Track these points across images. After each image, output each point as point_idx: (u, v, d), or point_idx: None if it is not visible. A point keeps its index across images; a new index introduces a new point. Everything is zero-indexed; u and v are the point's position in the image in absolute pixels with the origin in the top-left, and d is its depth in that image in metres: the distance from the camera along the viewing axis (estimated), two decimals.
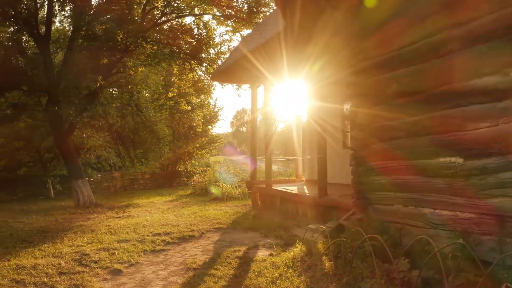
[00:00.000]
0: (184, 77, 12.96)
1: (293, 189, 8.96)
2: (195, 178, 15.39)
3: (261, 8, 11.70)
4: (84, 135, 12.16)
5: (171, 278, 4.33)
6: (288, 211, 8.70)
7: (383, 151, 4.84)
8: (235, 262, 4.73)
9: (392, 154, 4.75)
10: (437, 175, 4.25)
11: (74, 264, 4.76)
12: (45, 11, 10.84)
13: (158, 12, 11.28)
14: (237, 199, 11.94)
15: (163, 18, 11.30)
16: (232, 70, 9.90)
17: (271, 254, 5.06)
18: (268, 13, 12.69)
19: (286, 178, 11.64)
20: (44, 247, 5.90)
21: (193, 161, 18.89)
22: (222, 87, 21.11)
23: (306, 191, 8.51)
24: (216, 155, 23.12)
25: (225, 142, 22.07)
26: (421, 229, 4.36)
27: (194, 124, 18.47)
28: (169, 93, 14.12)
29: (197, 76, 13.13)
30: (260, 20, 11.77)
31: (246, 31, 12.85)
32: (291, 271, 4.11)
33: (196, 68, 12.95)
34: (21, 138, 12.79)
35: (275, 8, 12.23)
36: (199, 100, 16.65)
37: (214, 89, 13.21)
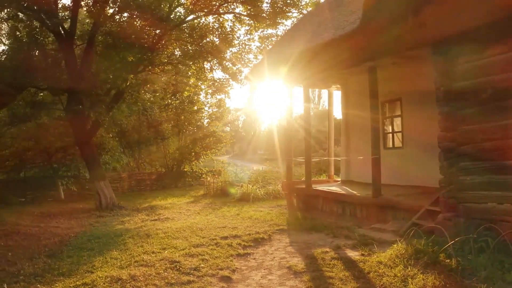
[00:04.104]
0: (203, 77, 12.74)
1: (335, 189, 9.08)
2: (208, 178, 15.15)
3: (286, 8, 11.68)
4: (110, 135, 11.63)
5: (288, 283, 4.28)
6: (332, 212, 8.80)
7: (476, 152, 5.04)
8: (339, 264, 4.74)
9: (486, 155, 4.96)
10: None
11: (176, 273, 4.55)
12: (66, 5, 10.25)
13: (185, 10, 11.01)
14: (263, 200, 11.86)
15: (190, 17, 11.06)
16: (267, 71, 9.87)
17: (362, 254, 5.12)
18: (289, 14, 12.73)
19: (317, 179, 11.73)
20: (114, 254, 5.59)
21: (199, 161, 18.59)
22: (241, 87, 20.85)
23: (352, 191, 8.65)
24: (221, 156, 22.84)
25: (230, 142, 21.83)
26: None
27: (200, 123, 18.20)
28: (185, 92, 13.81)
29: (217, 77, 12.96)
30: (287, 21, 11.80)
31: (268, 31, 12.82)
32: (410, 269, 4.19)
33: (216, 68, 12.77)
34: (30, 138, 12.03)
35: (299, 10, 12.29)
36: (214, 100, 16.45)
37: (231, 88, 13.07)
